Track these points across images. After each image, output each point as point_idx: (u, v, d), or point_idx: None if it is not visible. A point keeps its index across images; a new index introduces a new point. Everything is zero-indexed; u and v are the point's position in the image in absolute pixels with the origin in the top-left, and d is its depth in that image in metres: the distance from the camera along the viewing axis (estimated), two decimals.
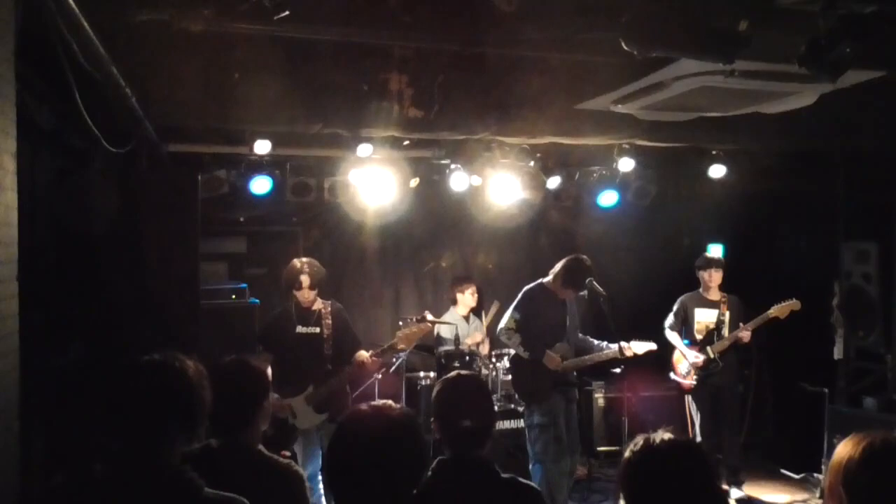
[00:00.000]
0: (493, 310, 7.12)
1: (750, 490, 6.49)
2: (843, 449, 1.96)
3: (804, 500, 6.39)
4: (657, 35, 3.44)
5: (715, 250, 7.04)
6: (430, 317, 6.28)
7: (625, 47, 3.43)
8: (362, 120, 5.04)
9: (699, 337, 6.42)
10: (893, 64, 4.00)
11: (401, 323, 5.70)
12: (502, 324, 5.67)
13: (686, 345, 6.44)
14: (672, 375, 6.54)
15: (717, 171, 6.65)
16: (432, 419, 2.57)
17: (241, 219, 7.24)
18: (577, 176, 7.21)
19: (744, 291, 6.52)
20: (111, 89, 3.64)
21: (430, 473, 2.34)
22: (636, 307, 6.87)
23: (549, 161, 6.80)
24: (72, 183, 4.57)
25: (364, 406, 2.00)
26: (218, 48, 4.17)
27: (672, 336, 6.50)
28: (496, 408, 6.56)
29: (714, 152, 6.57)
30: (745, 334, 6.21)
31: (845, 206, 6.75)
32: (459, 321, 7.01)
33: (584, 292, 5.54)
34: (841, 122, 5.44)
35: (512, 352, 5.83)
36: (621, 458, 2.01)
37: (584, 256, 5.54)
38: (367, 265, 7.75)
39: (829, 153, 6.63)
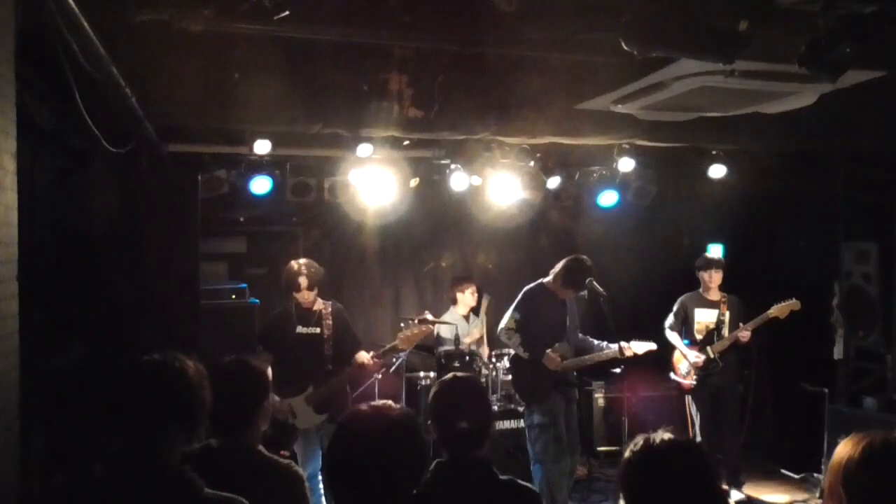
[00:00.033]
0: (485, 303, 7.13)
1: (750, 490, 6.49)
2: (843, 449, 1.96)
3: (804, 500, 6.40)
4: (657, 35, 3.44)
5: (715, 250, 7.04)
6: (429, 317, 6.28)
7: (625, 47, 3.42)
8: (362, 120, 5.04)
9: (699, 337, 6.43)
10: (893, 64, 4.00)
11: (402, 325, 5.69)
12: (502, 324, 5.67)
13: (686, 345, 6.44)
14: (672, 375, 6.54)
15: (717, 171, 6.64)
16: (429, 421, 2.57)
17: (241, 219, 7.24)
18: (577, 176, 7.21)
19: (744, 291, 6.52)
20: (111, 89, 3.64)
21: (428, 475, 2.34)
22: (636, 307, 6.87)
23: (549, 161, 6.80)
24: (72, 183, 4.57)
25: (364, 406, 2.00)
26: (218, 48, 4.17)
27: (672, 336, 6.50)
28: (496, 408, 6.57)
29: (714, 152, 6.57)
30: (744, 334, 6.21)
31: (845, 206, 6.75)
32: (459, 321, 7.02)
33: (584, 292, 5.54)
34: (841, 122, 5.44)
35: (512, 352, 5.83)
36: (621, 458, 2.01)
37: (585, 257, 5.54)
38: (367, 265, 7.75)
39: (829, 153, 6.63)
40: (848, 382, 6.64)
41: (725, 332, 6.34)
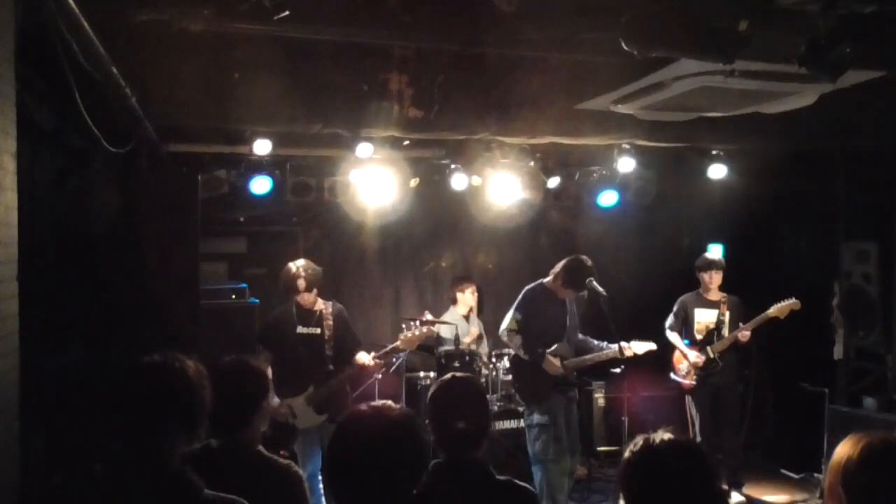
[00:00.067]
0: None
1: (750, 490, 6.49)
2: (843, 449, 1.96)
3: (804, 500, 6.40)
4: (657, 35, 3.44)
5: (715, 250, 7.04)
6: (429, 317, 6.29)
7: (625, 47, 3.43)
8: (362, 120, 5.04)
9: (699, 337, 6.42)
10: (893, 64, 4.00)
11: (403, 326, 5.69)
12: (504, 325, 5.65)
13: (686, 345, 6.44)
14: (672, 375, 6.54)
15: (717, 171, 6.64)
16: (427, 420, 2.57)
17: (241, 219, 7.24)
18: (577, 176, 7.22)
19: (744, 291, 6.52)
20: (111, 89, 3.64)
21: (425, 476, 2.34)
22: (636, 307, 6.87)
23: (549, 161, 6.80)
24: (72, 183, 4.57)
25: (364, 406, 2.00)
26: (218, 48, 4.17)
27: (673, 336, 6.50)
28: (496, 408, 6.57)
29: (714, 152, 6.57)
30: (744, 334, 6.20)
31: (845, 206, 6.75)
32: (459, 321, 7.02)
33: (584, 292, 5.53)
34: (841, 122, 5.44)
35: (512, 351, 5.82)
36: (621, 459, 2.01)
37: (585, 257, 5.53)
38: (367, 265, 7.75)
39: (829, 153, 6.63)
40: (848, 382, 6.64)
41: (725, 332, 6.34)
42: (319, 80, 4.65)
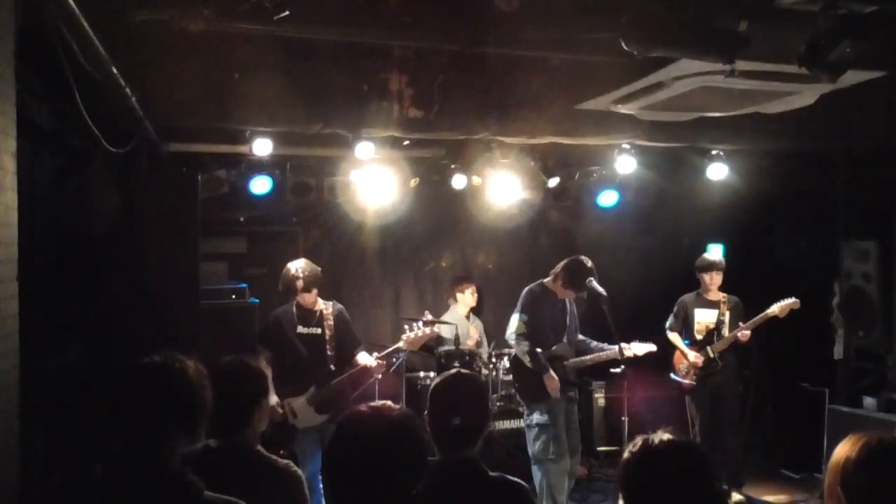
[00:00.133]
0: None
1: (750, 490, 6.49)
2: (842, 449, 1.96)
3: (804, 500, 6.40)
4: (657, 35, 3.44)
5: (715, 251, 7.03)
6: (429, 317, 6.28)
7: (625, 47, 3.43)
8: (362, 120, 5.04)
9: (699, 337, 6.42)
10: (893, 64, 4.00)
11: (406, 327, 5.68)
12: (512, 328, 5.60)
13: (686, 345, 6.44)
14: (672, 375, 6.54)
15: (717, 171, 6.64)
16: (425, 412, 2.57)
17: (241, 219, 7.24)
18: (577, 176, 7.22)
19: (744, 291, 6.52)
20: (111, 89, 3.64)
21: None
22: (636, 307, 6.87)
23: (549, 161, 6.80)
24: (72, 183, 4.57)
25: (363, 407, 2.00)
26: (218, 48, 4.18)
27: (673, 336, 6.50)
28: (496, 407, 6.57)
29: (714, 152, 6.57)
30: (744, 334, 6.20)
31: (845, 206, 6.75)
32: (459, 321, 7.02)
33: (584, 293, 5.53)
34: (841, 122, 5.44)
35: (512, 351, 5.81)
36: (621, 459, 2.01)
37: (585, 257, 5.52)
38: (367, 265, 7.75)
39: (829, 153, 6.63)
40: (848, 382, 6.64)
41: (725, 332, 6.34)
42: (319, 80, 4.65)
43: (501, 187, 6.50)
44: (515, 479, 2.58)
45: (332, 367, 5.35)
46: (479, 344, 7.11)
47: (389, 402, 2.02)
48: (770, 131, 5.55)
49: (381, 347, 5.64)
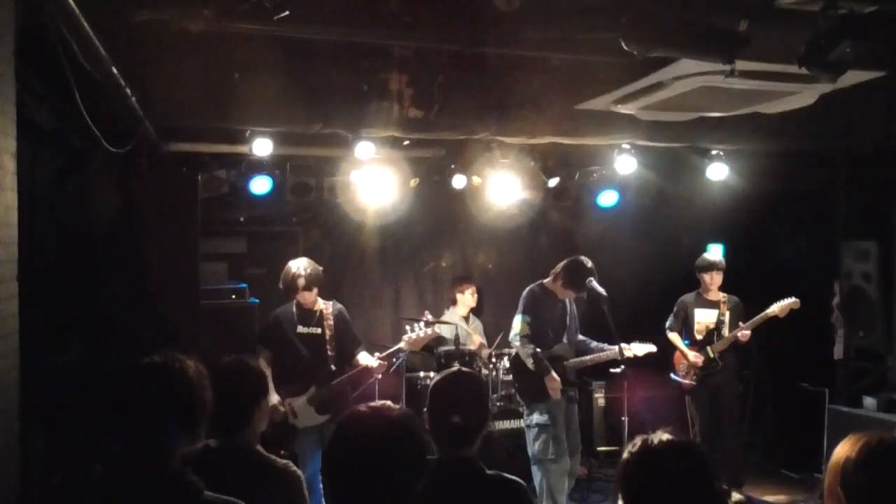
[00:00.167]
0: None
1: (750, 490, 6.50)
2: (841, 449, 1.96)
3: (804, 500, 6.40)
4: (657, 35, 3.45)
5: (715, 251, 7.03)
6: (429, 317, 6.29)
7: (625, 47, 3.43)
8: (362, 120, 5.04)
9: (699, 337, 6.42)
10: (893, 64, 4.00)
11: (408, 327, 5.68)
12: (515, 330, 5.57)
13: (686, 345, 6.44)
14: (672, 375, 6.54)
15: (717, 171, 6.64)
16: (425, 409, 2.57)
17: (241, 219, 7.24)
18: (577, 176, 7.22)
19: (744, 291, 6.52)
20: (111, 89, 3.64)
21: None
22: (636, 307, 6.86)
23: (549, 161, 6.80)
24: (72, 183, 4.57)
25: (363, 407, 2.00)
26: (218, 48, 4.18)
27: (673, 336, 6.50)
28: (496, 407, 6.57)
29: (714, 152, 6.57)
30: (744, 334, 6.20)
31: (845, 206, 6.74)
32: (459, 321, 7.02)
33: (584, 293, 5.52)
34: (841, 122, 5.44)
35: (513, 351, 5.81)
36: (621, 459, 2.01)
37: (585, 257, 5.52)
38: (367, 265, 7.75)
39: (829, 153, 6.63)
40: (848, 382, 6.63)
41: (725, 332, 6.34)
42: (319, 80, 4.66)
43: (501, 187, 6.50)
44: (513, 477, 2.59)
45: (333, 367, 5.35)
46: (482, 346, 7.09)
47: (389, 402, 2.02)
48: (770, 131, 5.55)
49: (381, 348, 5.64)
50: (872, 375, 6.52)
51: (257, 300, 6.43)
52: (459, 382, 2.63)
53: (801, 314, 6.13)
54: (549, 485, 5.44)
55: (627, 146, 6.27)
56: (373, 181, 6.22)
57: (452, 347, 6.62)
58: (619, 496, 1.95)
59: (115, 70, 3.45)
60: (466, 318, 7.23)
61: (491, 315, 7.60)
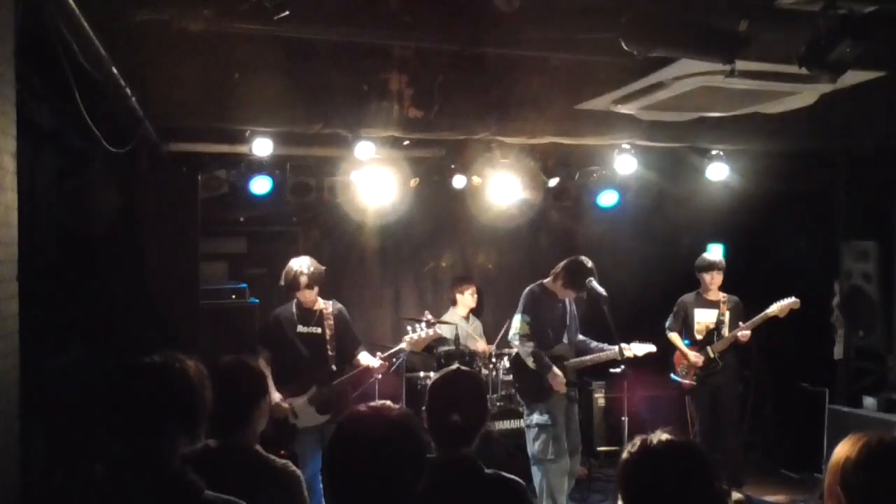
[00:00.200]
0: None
1: (750, 490, 6.49)
2: (841, 449, 1.96)
3: (804, 500, 6.39)
4: (657, 35, 3.45)
5: (715, 251, 7.03)
6: (430, 317, 6.28)
7: (625, 47, 3.43)
8: (362, 120, 5.04)
9: (699, 337, 6.42)
10: (893, 64, 4.00)
11: (409, 328, 5.68)
12: (515, 330, 5.57)
13: (686, 345, 6.44)
14: (672, 375, 6.54)
15: (717, 171, 6.64)
16: (423, 408, 2.57)
17: (241, 219, 7.24)
18: (577, 176, 7.21)
19: (744, 291, 6.52)
20: (111, 89, 3.64)
21: None
22: (636, 307, 6.86)
23: (549, 161, 6.80)
24: (72, 183, 4.57)
25: (363, 406, 2.00)
26: (218, 48, 4.18)
27: (673, 336, 6.50)
28: (496, 407, 6.57)
29: (714, 152, 6.57)
30: (744, 334, 6.20)
31: (845, 206, 6.74)
32: (459, 321, 7.01)
33: (584, 293, 5.52)
34: (841, 122, 5.44)
35: (513, 351, 5.81)
36: (620, 459, 2.01)
37: (585, 257, 5.52)
38: (367, 265, 7.75)
39: (829, 153, 6.63)
40: (848, 382, 6.63)
41: (725, 332, 6.33)
42: (319, 80, 4.66)
43: (501, 187, 6.50)
44: (511, 476, 2.59)
45: (333, 367, 5.35)
46: (487, 350, 7.07)
47: (389, 402, 2.02)
48: (770, 131, 5.55)
49: (381, 348, 5.64)
50: (872, 375, 6.52)
51: (257, 300, 6.43)
52: (458, 381, 2.63)
53: (801, 314, 6.13)
54: (548, 485, 5.44)
55: (627, 146, 6.27)
56: (373, 181, 6.22)
57: (452, 347, 6.62)
58: (619, 496, 1.95)
59: (115, 70, 3.46)
60: (466, 319, 7.23)
61: (491, 315, 7.60)
